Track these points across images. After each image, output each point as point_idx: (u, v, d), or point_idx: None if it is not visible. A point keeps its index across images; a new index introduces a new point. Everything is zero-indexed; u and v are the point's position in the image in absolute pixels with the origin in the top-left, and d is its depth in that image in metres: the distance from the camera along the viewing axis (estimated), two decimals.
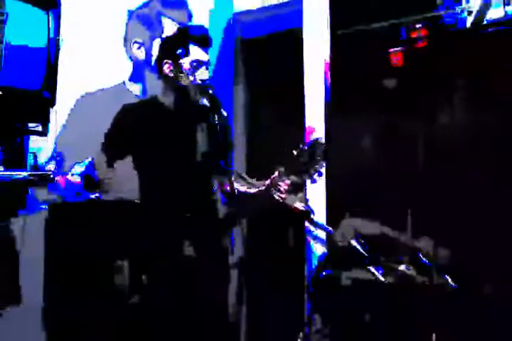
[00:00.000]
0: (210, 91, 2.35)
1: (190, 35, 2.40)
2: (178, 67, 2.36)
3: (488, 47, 2.70)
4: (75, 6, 2.78)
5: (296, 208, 2.23)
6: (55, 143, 2.80)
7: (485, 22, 2.71)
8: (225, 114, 2.52)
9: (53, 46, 2.49)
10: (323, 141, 2.19)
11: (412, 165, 2.87)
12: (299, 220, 3.06)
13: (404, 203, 2.85)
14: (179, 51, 2.36)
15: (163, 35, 2.86)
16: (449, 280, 2.44)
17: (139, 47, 2.94)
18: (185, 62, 2.35)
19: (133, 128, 2.39)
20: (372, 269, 2.52)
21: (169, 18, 2.90)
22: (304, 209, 2.26)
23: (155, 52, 2.82)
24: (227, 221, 2.41)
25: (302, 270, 3.20)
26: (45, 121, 2.56)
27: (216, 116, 2.36)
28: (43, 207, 2.64)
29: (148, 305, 2.33)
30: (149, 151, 2.39)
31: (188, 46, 2.35)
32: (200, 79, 2.36)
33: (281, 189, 2.26)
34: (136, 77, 2.99)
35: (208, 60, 2.40)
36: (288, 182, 2.24)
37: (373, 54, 2.94)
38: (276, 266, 3.27)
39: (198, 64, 2.36)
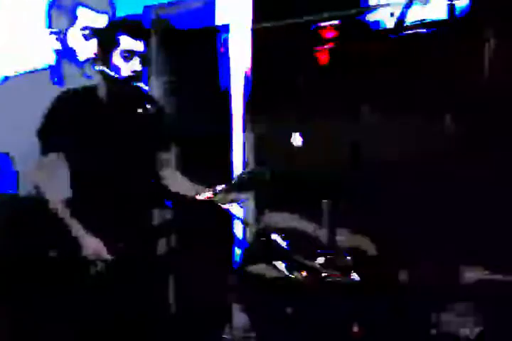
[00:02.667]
0: (137, 84, 2.32)
1: (120, 24, 2.35)
2: (106, 58, 2.30)
3: (407, 49, 2.76)
4: None
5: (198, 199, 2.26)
6: None
7: (405, 24, 2.77)
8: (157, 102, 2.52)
9: None
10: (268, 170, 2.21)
11: (337, 162, 2.91)
12: (225, 215, 3.07)
13: (325, 197, 2.89)
14: (107, 42, 2.30)
15: (79, 24, 2.84)
16: (355, 274, 2.49)
17: (55, 38, 2.93)
18: (116, 54, 2.28)
19: (66, 123, 2.31)
20: (278, 263, 2.56)
21: (86, 7, 2.87)
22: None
23: (71, 42, 2.82)
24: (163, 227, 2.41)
25: (229, 265, 3.22)
26: None
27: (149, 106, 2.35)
28: None
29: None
30: (83, 147, 2.32)
31: (117, 36, 2.28)
32: (133, 71, 2.30)
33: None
34: (55, 66, 2.97)
35: (143, 51, 2.31)
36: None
37: (297, 52, 2.97)
38: (203, 261, 3.28)
39: (129, 54, 2.28)
